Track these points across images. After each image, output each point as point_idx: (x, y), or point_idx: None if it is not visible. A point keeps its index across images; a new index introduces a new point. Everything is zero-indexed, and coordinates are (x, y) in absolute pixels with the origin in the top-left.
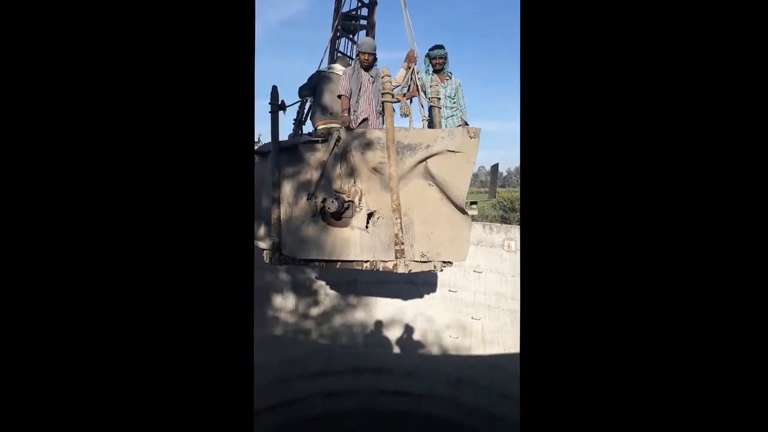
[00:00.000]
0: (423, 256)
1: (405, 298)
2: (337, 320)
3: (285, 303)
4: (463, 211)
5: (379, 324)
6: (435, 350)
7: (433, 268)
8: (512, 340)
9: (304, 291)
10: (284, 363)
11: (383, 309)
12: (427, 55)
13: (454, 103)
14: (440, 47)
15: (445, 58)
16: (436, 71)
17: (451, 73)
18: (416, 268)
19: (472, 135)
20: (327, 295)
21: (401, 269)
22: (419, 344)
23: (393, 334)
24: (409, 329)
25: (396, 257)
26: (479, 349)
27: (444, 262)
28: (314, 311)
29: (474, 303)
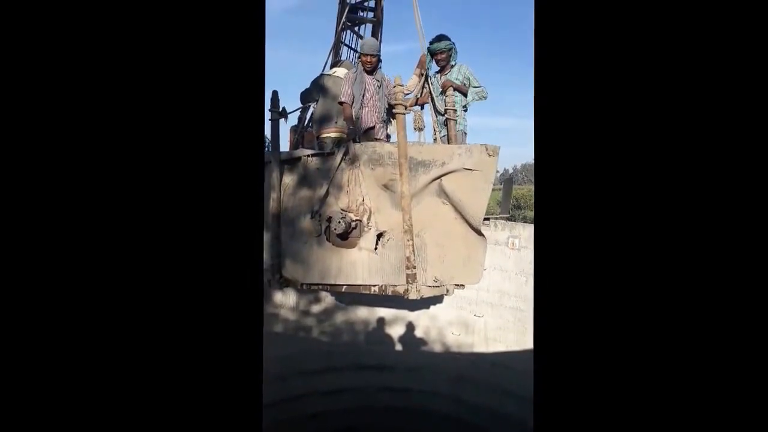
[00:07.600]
0: (436, 280)
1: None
2: (339, 317)
3: (285, 300)
4: (479, 232)
5: (381, 321)
6: (437, 347)
7: (445, 293)
8: (514, 337)
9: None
10: (284, 360)
11: (386, 306)
12: (428, 50)
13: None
14: (443, 38)
15: (450, 51)
16: (440, 68)
17: (454, 63)
18: (428, 293)
19: (491, 153)
20: (328, 291)
21: (413, 295)
22: (422, 341)
23: (395, 331)
24: (411, 326)
25: (407, 282)
26: (482, 347)
27: (456, 285)
28: (315, 308)
29: (477, 300)
